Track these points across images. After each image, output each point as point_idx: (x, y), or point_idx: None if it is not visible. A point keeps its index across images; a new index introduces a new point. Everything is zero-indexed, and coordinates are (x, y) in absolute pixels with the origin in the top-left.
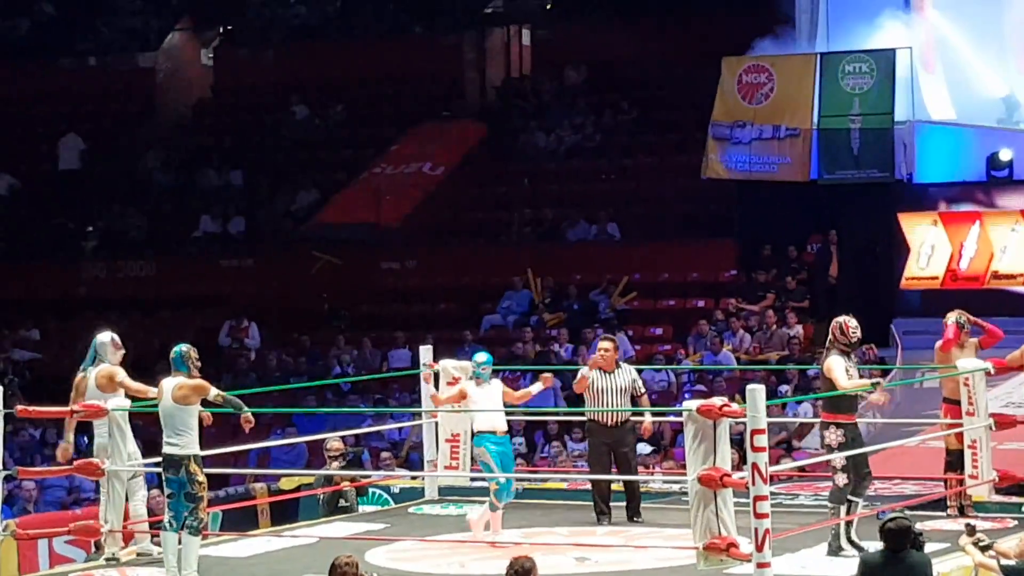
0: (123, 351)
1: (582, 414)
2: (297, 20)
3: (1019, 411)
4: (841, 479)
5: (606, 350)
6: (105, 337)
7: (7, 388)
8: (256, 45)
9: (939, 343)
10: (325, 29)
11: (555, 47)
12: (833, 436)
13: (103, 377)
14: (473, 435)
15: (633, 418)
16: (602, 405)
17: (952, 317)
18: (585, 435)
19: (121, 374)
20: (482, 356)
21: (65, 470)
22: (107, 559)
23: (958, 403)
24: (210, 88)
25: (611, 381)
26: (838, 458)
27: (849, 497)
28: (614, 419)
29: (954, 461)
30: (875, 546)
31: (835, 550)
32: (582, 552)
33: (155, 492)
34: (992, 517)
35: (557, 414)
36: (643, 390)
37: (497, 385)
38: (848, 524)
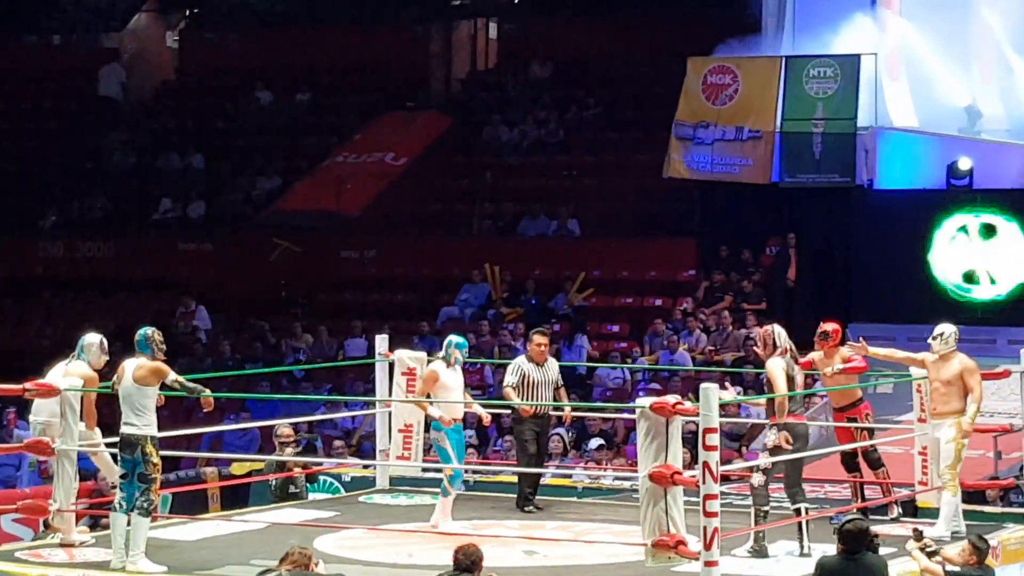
0: (107, 357)
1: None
2: (263, 6)
3: None
4: (758, 479)
5: (543, 344)
6: (94, 338)
7: None
8: (222, 29)
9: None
10: (291, 16)
11: (521, 41)
12: (771, 438)
13: (76, 375)
14: (430, 419)
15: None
16: (539, 398)
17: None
18: (513, 426)
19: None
20: (460, 339)
21: (14, 448)
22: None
23: (839, 410)
24: (174, 71)
25: (544, 374)
26: (765, 461)
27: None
28: (543, 409)
29: (849, 462)
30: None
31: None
32: (530, 545)
33: (102, 474)
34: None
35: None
36: (562, 382)
37: (459, 372)
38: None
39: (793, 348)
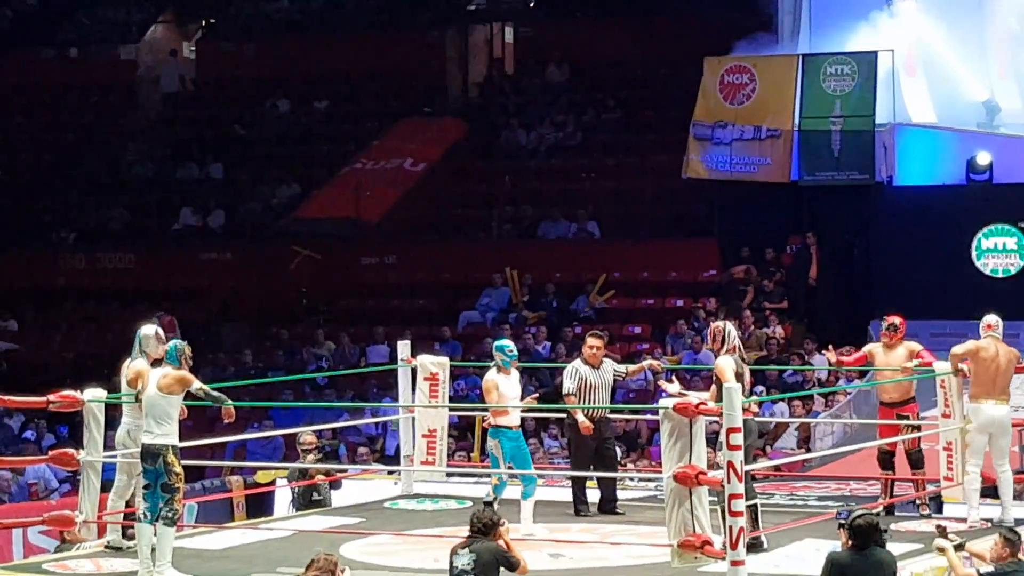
0: (165, 345)
1: (563, 410)
2: (280, 14)
3: None
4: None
5: (596, 347)
6: (149, 330)
7: None
8: (238, 39)
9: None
10: (308, 24)
11: (538, 45)
12: None
13: (132, 372)
14: (489, 426)
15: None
16: (595, 401)
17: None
18: (567, 431)
19: (147, 371)
20: (507, 343)
21: (40, 460)
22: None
23: (890, 405)
24: (192, 81)
25: (600, 376)
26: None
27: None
28: (600, 413)
29: (885, 461)
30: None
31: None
32: (556, 548)
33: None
34: (966, 518)
35: (560, 410)
36: (621, 369)
37: (516, 375)
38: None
39: (741, 347)
